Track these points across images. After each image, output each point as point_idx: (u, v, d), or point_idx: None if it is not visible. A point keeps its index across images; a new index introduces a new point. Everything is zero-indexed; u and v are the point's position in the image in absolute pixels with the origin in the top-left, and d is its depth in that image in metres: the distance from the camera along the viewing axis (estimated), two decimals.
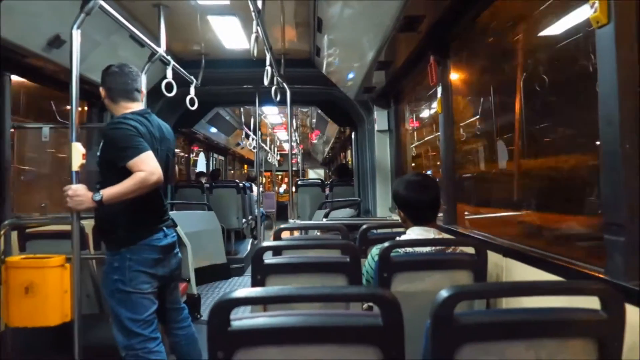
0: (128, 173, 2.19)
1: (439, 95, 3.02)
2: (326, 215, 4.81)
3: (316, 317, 1.07)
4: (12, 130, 3.33)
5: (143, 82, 2.69)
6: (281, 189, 16.50)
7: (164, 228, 2.46)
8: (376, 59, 3.51)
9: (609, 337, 1.03)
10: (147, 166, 2.17)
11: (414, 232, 1.99)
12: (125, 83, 2.42)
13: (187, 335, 2.62)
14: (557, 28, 1.99)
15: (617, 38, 1.23)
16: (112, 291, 2.32)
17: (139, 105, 2.48)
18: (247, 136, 9.21)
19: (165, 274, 2.45)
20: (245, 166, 17.46)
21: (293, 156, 15.42)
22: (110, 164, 2.26)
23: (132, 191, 2.17)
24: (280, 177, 17.48)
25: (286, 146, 16.83)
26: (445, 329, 1.02)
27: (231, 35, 4.24)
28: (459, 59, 3.03)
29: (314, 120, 10.34)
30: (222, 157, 13.41)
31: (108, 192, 2.18)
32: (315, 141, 14.25)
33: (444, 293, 1.03)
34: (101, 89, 2.46)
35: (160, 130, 2.47)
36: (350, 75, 4.50)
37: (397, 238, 1.99)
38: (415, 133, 4.74)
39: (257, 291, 1.18)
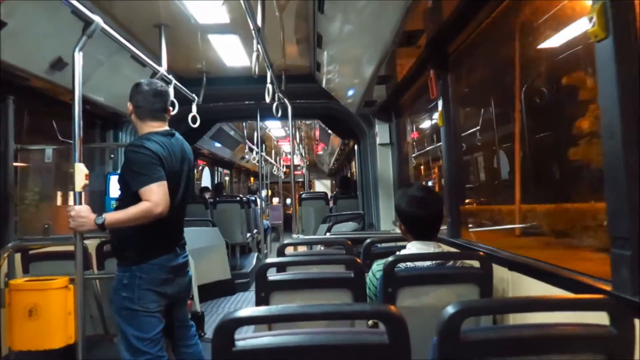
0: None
1: (439, 108, 3.03)
2: (329, 230, 4.80)
3: (321, 335, 1.06)
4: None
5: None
6: (287, 201, 16.51)
7: (177, 249, 2.47)
8: (376, 73, 3.53)
9: (619, 353, 1.01)
10: (154, 197, 2.18)
11: (414, 247, 1.98)
12: (154, 102, 2.44)
13: (194, 354, 2.61)
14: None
15: (616, 52, 1.23)
16: (120, 308, 2.32)
17: (164, 125, 2.49)
18: (251, 150, 9.23)
19: (174, 293, 2.45)
20: (252, 179, 17.46)
21: (298, 168, 15.45)
22: (128, 185, 2.28)
23: (134, 219, 2.19)
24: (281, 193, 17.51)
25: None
26: (452, 345, 1.01)
27: (232, 53, 4.27)
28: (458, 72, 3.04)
29: (318, 131, 10.37)
30: (227, 171, 13.43)
31: (111, 216, 2.20)
32: (320, 152, 14.28)
33: (450, 309, 1.02)
34: (129, 104, 2.47)
35: (183, 150, 2.49)
36: (351, 91, 4.52)
37: (397, 253, 1.98)
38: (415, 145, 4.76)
39: (261, 310, 1.17)
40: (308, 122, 10.21)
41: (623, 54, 1.23)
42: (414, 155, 4.89)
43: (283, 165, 15.14)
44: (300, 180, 16.27)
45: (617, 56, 1.23)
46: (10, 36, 2.55)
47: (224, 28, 3.70)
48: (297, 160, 13.15)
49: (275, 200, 10.33)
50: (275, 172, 13.34)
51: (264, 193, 8.90)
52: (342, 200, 6.93)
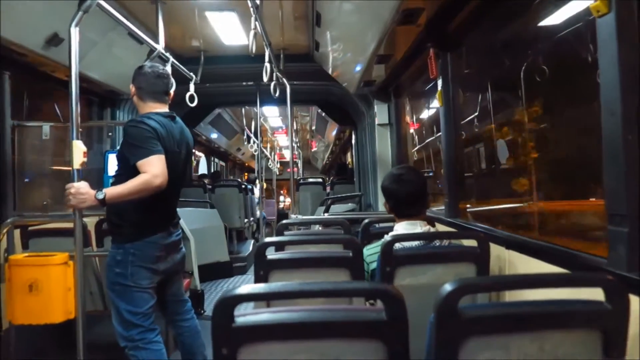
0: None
1: (439, 88, 3.01)
2: (327, 210, 4.81)
3: (320, 312, 1.07)
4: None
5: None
6: (281, 198, 16.48)
7: (170, 227, 2.51)
8: (375, 52, 3.50)
9: (613, 328, 1.02)
10: (153, 169, 2.20)
11: (401, 227, 1.99)
12: (156, 84, 2.49)
13: (190, 328, 2.66)
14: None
15: (618, 27, 1.22)
16: (113, 284, 2.37)
17: (165, 107, 2.53)
18: (249, 139, 9.26)
19: (167, 269, 2.49)
20: (246, 174, 17.49)
21: (293, 164, 15.31)
22: (126, 159, 2.30)
23: (135, 192, 2.20)
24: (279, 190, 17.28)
25: (286, 153, 16.85)
26: (449, 322, 1.02)
27: (230, 31, 4.22)
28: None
29: (314, 122, 10.34)
30: (222, 163, 13.43)
31: (111, 191, 2.21)
32: (315, 149, 14.28)
33: (448, 286, 1.03)
34: (131, 86, 2.52)
35: (182, 133, 2.53)
36: (350, 71, 4.49)
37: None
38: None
39: (261, 287, 1.18)
40: (305, 113, 10.19)
41: (625, 29, 1.22)
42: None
43: (277, 162, 15.11)
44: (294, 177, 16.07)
45: (618, 32, 1.22)
46: (4, 9, 2.52)
47: (222, 5, 3.65)
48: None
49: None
50: (270, 166, 13.30)
51: (258, 191, 8.94)
52: (339, 186, 6.97)
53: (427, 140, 4.39)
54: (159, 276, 2.45)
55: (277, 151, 15.47)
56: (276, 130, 12.50)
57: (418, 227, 1.97)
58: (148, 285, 2.38)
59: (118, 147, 2.47)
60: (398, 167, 2.11)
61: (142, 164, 2.21)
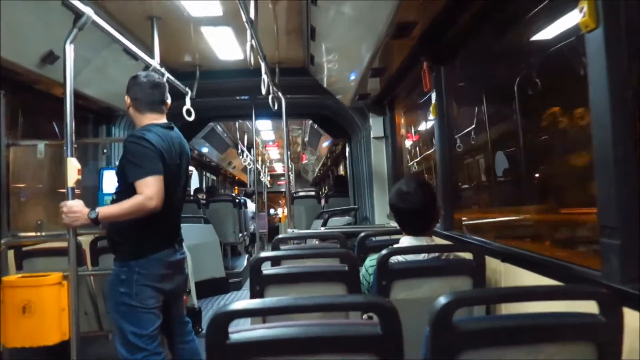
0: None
1: (433, 100, 3.03)
2: (324, 224, 4.80)
3: (315, 327, 1.07)
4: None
5: None
6: (271, 211, 16.39)
7: (175, 244, 2.45)
8: (370, 65, 3.52)
9: (608, 341, 1.02)
10: (148, 190, 2.16)
11: (406, 241, 1.99)
12: (152, 94, 2.42)
13: (190, 350, 2.60)
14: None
15: (606, 42, 1.23)
16: (117, 304, 2.29)
17: (163, 118, 2.47)
18: (242, 152, 9.28)
19: (171, 289, 2.43)
20: (237, 188, 17.45)
21: (282, 179, 15.28)
22: (125, 176, 2.27)
23: (128, 213, 2.17)
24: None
25: (276, 166, 16.92)
26: (444, 335, 1.02)
27: (225, 46, 4.25)
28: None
29: (307, 135, 10.37)
30: (214, 177, 13.45)
31: (104, 210, 2.18)
32: (305, 161, 14.33)
33: (442, 300, 1.03)
34: (126, 97, 2.45)
35: (181, 144, 2.47)
36: (344, 84, 4.51)
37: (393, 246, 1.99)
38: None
39: (255, 303, 1.17)
40: (297, 126, 10.23)
41: (613, 44, 1.23)
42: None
43: (268, 175, 15.14)
44: (284, 190, 16.12)
45: (607, 46, 1.23)
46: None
47: (217, 20, 3.68)
48: (282, 169, 13.13)
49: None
50: (262, 179, 13.32)
51: (251, 205, 8.94)
52: (334, 199, 6.96)
53: (426, 153, 4.38)
54: (164, 296, 2.38)
55: (268, 164, 15.48)
56: (267, 143, 12.55)
57: (424, 242, 1.96)
58: (154, 305, 2.31)
59: (117, 163, 2.45)
60: (406, 180, 2.00)
61: (138, 184, 2.17)
